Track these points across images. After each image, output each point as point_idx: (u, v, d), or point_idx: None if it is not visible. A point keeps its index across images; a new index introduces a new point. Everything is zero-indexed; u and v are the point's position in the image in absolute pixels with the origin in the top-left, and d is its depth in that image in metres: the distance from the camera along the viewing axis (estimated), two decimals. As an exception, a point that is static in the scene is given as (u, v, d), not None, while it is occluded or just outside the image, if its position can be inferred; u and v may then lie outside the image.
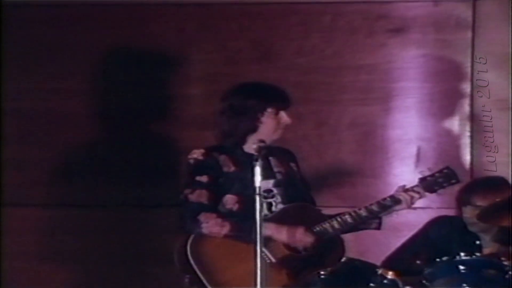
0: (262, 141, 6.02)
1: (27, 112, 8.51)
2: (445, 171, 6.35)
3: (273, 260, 6.16)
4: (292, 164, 6.47)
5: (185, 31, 8.33)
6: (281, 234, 6.20)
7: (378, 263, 6.86)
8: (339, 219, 6.25)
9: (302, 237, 6.24)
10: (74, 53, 8.45)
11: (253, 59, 8.19)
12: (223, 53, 8.29)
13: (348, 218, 6.24)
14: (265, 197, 6.06)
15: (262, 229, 5.58)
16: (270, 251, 6.15)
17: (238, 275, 6.14)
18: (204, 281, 6.19)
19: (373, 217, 6.35)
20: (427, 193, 6.38)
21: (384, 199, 6.33)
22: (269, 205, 6.35)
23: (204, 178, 6.23)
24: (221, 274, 6.22)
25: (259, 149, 5.86)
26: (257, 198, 5.57)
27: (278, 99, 6.33)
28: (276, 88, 6.47)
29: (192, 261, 6.21)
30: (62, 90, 8.45)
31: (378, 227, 6.43)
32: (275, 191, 6.25)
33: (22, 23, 8.47)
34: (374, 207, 6.29)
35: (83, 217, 8.52)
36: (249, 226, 5.87)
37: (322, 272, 6.28)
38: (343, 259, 6.38)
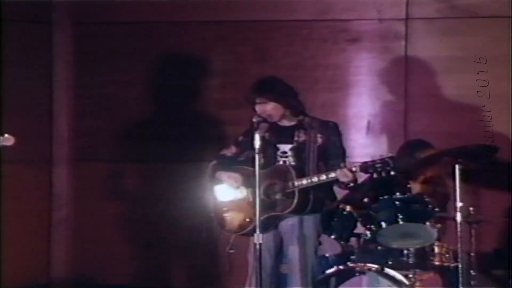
0: (259, 117, 6.10)
1: (98, 96, 8.91)
2: (385, 159, 6.28)
3: (250, 200, 6.13)
4: (319, 135, 6.32)
5: (207, 40, 8.71)
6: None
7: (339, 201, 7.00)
8: (308, 180, 6.18)
9: None
10: (130, 56, 8.83)
11: (254, 60, 8.55)
12: (233, 55, 8.65)
13: (315, 178, 6.15)
14: (280, 156, 6.10)
15: (261, 178, 5.80)
16: (251, 192, 6.17)
17: (223, 206, 6.36)
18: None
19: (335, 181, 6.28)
20: (361, 172, 6.34)
21: (328, 173, 6.22)
22: (284, 162, 6.37)
23: (241, 137, 6.41)
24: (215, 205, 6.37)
25: (258, 122, 5.98)
26: (256, 156, 5.81)
27: (249, 92, 6.31)
28: (255, 82, 6.45)
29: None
30: (122, 82, 8.84)
31: (349, 188, 6.43)
32: (289, 153, 6.17)
33: (93, 36, 8.88)
34: (324, 176, 6.17)
35: (137, 168, 8.88)
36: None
37: (282, 213, 6.25)
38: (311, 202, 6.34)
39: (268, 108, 6.09)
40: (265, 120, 6.16)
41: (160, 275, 8.78)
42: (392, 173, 6.22)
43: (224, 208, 6.26)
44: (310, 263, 6.26)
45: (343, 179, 6.19)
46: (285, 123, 6.13)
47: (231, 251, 6.13)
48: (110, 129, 8.92)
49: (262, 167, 5.98)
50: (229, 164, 6.44)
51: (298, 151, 6.15)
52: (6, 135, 5.89)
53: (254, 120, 6.11)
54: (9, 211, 8.55)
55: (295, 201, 6.08)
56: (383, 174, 6.20)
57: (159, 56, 8.85)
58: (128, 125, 8.92)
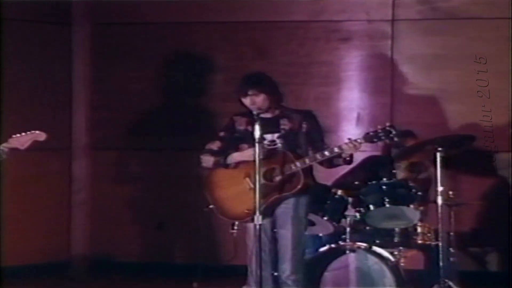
0: (260, 108, 5.93)
1: (113, 90, 8.84)
2: (387, 128, 6.07)
3: (251, 186, 5.93)
4: (304, 124, 6.12)
5: (211, 39, 8.69)
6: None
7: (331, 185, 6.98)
8: (306, 159, 5.98)
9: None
10: (142, 53, 8.81)
11: (254, 57, 8.52)
12: (235, 53, 8.62)
13: (318, 155, 5.95)
14: (268, 145, 5.91)
15: (260, 165, 5.72)
16: (251, 180, 5.97)
17: (222, 195, 6.13)
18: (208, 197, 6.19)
19: (335, 157, 6.02)
20: (367, 143, 6.09)
21: (332, 148, 6.03)
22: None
23: (222, 133, 6.18)
24: (212, 194, 6.16)
25: (258, 114, 5.86)
26: (256, 144, 5.73)
27: (241, 85, 6.10)
28: (246, 76, 6.23)
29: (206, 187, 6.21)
30: (135, 77, 8.80)
31: (349, 162, 6.19)
32: (277, 141, 5.97)
33: (109, 35, 8.86)
34: (327, 152, 5.97)
35: (148, 156, 8.86)
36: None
37: (289, 192, 6.02)
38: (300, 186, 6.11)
39: (258, 100, 5.96)
40: (244, 115, 6.11)
41: (169, 252, 8.78)
42: (395, 139, 6.11)
43: (225, 198, 6.15)
44: (303, 241, 6.18)
45: (350, 151, 5.99)
46: (268, 115, 6.00)
47: (233, 231, 6.04)
48: (124, 120, 8.91)
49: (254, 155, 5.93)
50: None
51: (286, 138, 6.01)
52: (38, 132, 5.92)
53: (232, 118, 6.14)
54: (33, 194, 8.60)
55: (302, 180, 5.98)
56: (388, 141, 6.14)
57: (168, 53, 8.82)
58: (141, 117, 8.90)
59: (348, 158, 6.06)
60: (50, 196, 8.80)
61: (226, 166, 6.04)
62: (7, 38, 8.41)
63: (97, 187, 8.97)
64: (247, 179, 5.99)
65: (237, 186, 6.03)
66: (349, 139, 6.05)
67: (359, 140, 5.96)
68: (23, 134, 5.87)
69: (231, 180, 6.08)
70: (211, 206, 6.13)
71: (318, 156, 5.94)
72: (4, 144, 5.83)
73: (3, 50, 8.34)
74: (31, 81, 8.60)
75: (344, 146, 5.94)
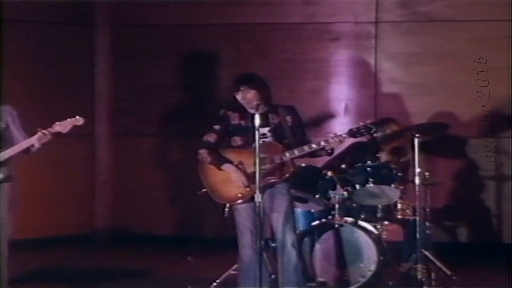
0: (258, 103, 5.82)
1: (131, 84, 8.89)
2: (368, 125, 5.92)
3: (248, 171, 5.88)
4: (288, 117, 6.00)
5: (217, 40, 8.68)
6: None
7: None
8: (295, 151, 5.87)
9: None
10: (158, 51, 8.81)
11: (255, 55, 8.51)
12: (238, 51, 8.59)
13: (305, 147, 5.86)
14: (260, 138, 5.71)
15: (260, 152, 5.62)
16: (245, 167, 5.91)
17: (217, 180, 6.01)
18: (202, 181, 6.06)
19: (320, 149, 5.92)
20: (350, 138, 5.96)
21: (319, 142, 5.89)
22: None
23: (216, 126, 6.05)
24: (207, 179, 6.05)
25: (257, 107, 5.77)
26: (257, 133, 5.62)
27: (234, 83, 6.02)
28: (239, 75, 6.13)
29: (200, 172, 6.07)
30: (150, 72, 8.83)
31: (331, 154, 6.06)
32: (268, 134, 5.87)
33: (128, 35, 8.85)
34: (314, 145, 5.88)
35: (161, 141, 8.85)
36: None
37: (279, 179, 5.91)
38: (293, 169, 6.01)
39: (249, 96, 5.88)
40: (236, 110, 6.02)
41: (181, 226, 8.80)
42: (375, 135, 6.05)
43: (219, 183, 6.00)
44: (292, 217, 6.07)
45: (334, 145, 5.92)
46: (259, 111, 5.82)
47: (225, 212, 5.96)
48: (141, 110, 8.91)
49: (245, 147, 5.93)
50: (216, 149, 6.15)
51: (275, 131, 5.91)
52: (77, 117, 5.96)
53: (221, 112, 6.06)
54: (61, 175, 8.66)
55: (290, 169, 5.91)
56: (368, 136, 6.02)
57: (180, 52, 8.79)
58: (156, 107, 8.88)
59: (329, 151, 6.00)
60: (76, 177, 8.85)
61: (220, 168, 5.94)
62: (36, 39, 8.44)
63: (117, 169, 8.97)
64: (241, 166, 5.94)
65: (228, 174, 5.96)
66: (334, 134, 6.01)
67: (343, 135, 5.92)
68: (65, 120, 5.91)
69: (222, 170, 6.00)
70: (204, 190, 6.06)
71: (306, 148, 5.88)
72: (49, 129, 5.85)
73: (33, 49, 8.36)
74: (59, 77, 8.63)
75: (330, 140, 5.90)
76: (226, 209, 5.97)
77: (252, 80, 6.00)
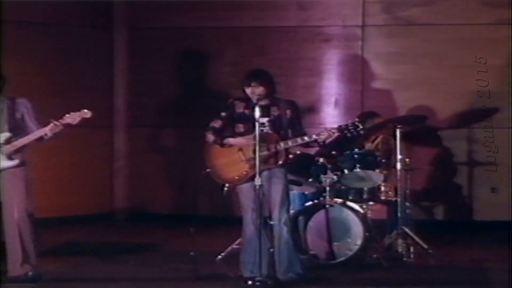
0: (259, 95, 5.80)
1: (146, 80, 8.81)
2: (355, 123, 5.85)
3: (244, 158, 5.84)
4: (288, 110, 5.90)
5: (221, 40, 8.64)
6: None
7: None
8: (289, 142, 5.82)
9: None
10: (169, 51, 8.74)
11: (255, 54, 8.44)
12: (240, 50, 8.54)
13: (298, 139, 5.79)
14: (259, 127, 5.66)
15: (259, 140, 5.62)
16: (243, 153, 5.86)
17: (219, 163, 5.96)
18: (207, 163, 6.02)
19: (313, 141, 5.85)
20: (339, 133, 5.85)
21: (311, 135, 5.82)
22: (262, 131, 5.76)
23: (223, 113, 5.98)
24: (211, 161, 6.00)
25: (258, 99, 5.77)
26: (257, 124, 5.65)
27: (246, 78, 5.92)
28: (251, 71, 6.04)
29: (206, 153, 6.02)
30: (163, 70, 8.77)
31: (323, 145, 6.01)
32: (266, 124, 5.76)
33: (143, 36, 8.79)
34: (306, 137, 5.81)
35: (174, 132, 8.81)
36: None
37: (272, 166, 5.81)
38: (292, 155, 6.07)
39: (258, 90, 5.82)
40: (242, 100, 5.95)
41: (191, 206, 8.71)
42: (361, 132, 5.94)
43: (221, 166, 5.95)
44: (287, 198, 6.01)
45: (325, 138, 5.84)
46: (262, 102, 5.83)
47: (224, 191, 5.94)
48: (155, 104, 8.87)
49: (246, 134, 5.86)
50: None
51: (274, 123, 5.82)
52: (85, 110, 5.93)
53: (229, 101, 6.01)
54: (83, 161, 8.63)
55: (284, 157, 5.86)
56: (354, 133, 5.91)
57: (189, 51, 8.76)
58: (168, 101, 8.84)
59: (321, 143, 5.94)
60: (97, 163, 8.83)
61: (222, 146, 5.92)
62: (61, 40, 8.40)
63: (133, 156, 8.92)
64: (240, 152, 5.89)
65: (230, 157, 5.90)
66: (325, 128, 5.98)
67: (333, 130, 5.87)
68: (75, 113, 5.90)
69: (226, 152, 5.94)
70: (207, 170, 5.99)
71: (299, 140, 5.83)
72: (60, 120, 5.85)
73: (59, 49, 8.33)
74: (82, 74, 8.59)
75: (322, 136, 5.85)
76: (225, 189, 5.93)
77: (262, 76, 5.94)
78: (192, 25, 8.66)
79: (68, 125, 5.88)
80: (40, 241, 6.06)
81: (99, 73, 8.77)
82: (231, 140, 5.92)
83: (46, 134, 5.86)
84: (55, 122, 5.83)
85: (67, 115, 5.88)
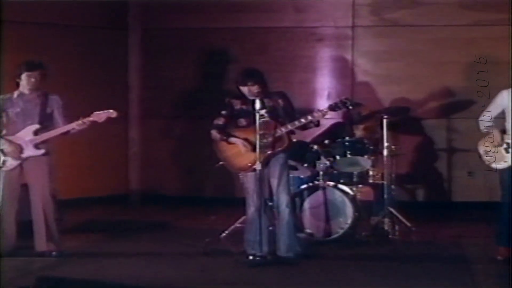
0: (256, 92, 5.79)
1: (159, 76, 8.72)
2: (343, 100, 5.86)
3: (250, 147, 5.82)
4: (280, 100, 5.91)
5: (225, 40, 8.57)
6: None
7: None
8: (288, 125, 5.82)
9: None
10: (179, 50, 8.63)
11: (256, 53, 8.38)
12: (241, 50, 8.47)
13: (296, 122, 5.78)
14: (260, 118, 5.64)
15: (260, 130, 5.63)
16: (250, 142, 5.85)
17: (229, 154, 5.94)
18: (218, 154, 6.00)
19: (310, 122, 5.83)
20: (331, 111, 5.88)
21: (306, 117, 5.81)
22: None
23: (223, 112, 5.98)
24: (222, 154, 5.99)
25: (258, 93, 5.78)
26: (257, 115, 5.66)
27: (241, 78, 5.91)
28: (245, 71, 6.00)
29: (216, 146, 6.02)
30: (173, 67, 8.65)
31: (317, 125, 6.01)
32: (265, 115, 5.70)
33: (156, 37, 8.71)
34: (303, 119, 5.79)
35: (184, 123, 8.68)
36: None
37: (279, 149, 5.83)
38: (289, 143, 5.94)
39: (253, 88, 5.82)
40: (237, 98, 5.94)
41: (199, 188, 8.71)
42: (350, 107, 5.93)
43: (232, 157, 5.94)
44: (288, 182, 6.00)
45: (319, 118, 5.84)
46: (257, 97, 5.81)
47: (241, 179, 5.91)
48: (166, 97, 8.80)
49: (249, 126, 5.85)
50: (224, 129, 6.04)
51: (271, 112, 5.76)
52: (111, 111, 5.98)
53: (226, 100, 5.99)
54: (101, 149, 8.57)
55: (286, 141, 5.85)
56: (345, 109, 5.93)
57: (196, 49, 8.71)
58: (178, 94, 8.80)
59: (316, 123, 5.94)
60: (113, 150, 8.76)
61: (228, 142, 5.93)
62: (79, 40, 8.37)
63: (145, 143, 8.87)
64: (246, 142, 5.90)
65: (237, 148, 5.91)
66: (318, 109, 6.01)
67: (325, 110, 5.87)
68: (101, 112, 5.94)
69: (233, 144, 5.94)
70: (221, 163, 6.00)
71: (296, 122, 5.81)
72: (88, 118, 5.89)
73: (77, 49, 8.31)
74: (99, 71, 8.52)
75: (315, 114, 5.84)
76: (241, 176, 5.94)
77: (256, 76, 5.91)
78: (199, 26, 8.62)
79: (94, 122, 5.91)
80: (62, 220, 6.18)
81: (115, 70, 8.71)
82: (233, 139, 5.92)
83: (73, 129, 5.91)
84: (83, 120, 5.87)
85: (95, 113, 5.91)
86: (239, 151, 5.88)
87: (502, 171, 5.75)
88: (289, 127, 5.85)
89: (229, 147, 5.93)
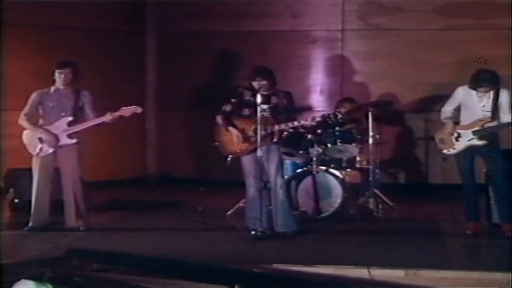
0: (264, 87, 5.71)
1: (173, 73, 8.72)
2: (335, 113, 5.84)
3: (241, 138, 5.79)
4: (284, 100, 5.83)
5: (232, 42, 8.52)
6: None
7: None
8: (291, 124, 5.74)
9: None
10: (193, 51, 8.62)
11: (258, 53, 8.36)
12: (246, 50, 8.43)
13: (290, 124, 5.72)
14: (260, 111, 5.55)
15: (260, 122, 5.55)
16: (246, 131, 5.80)
17: (225, 139, 5.91)
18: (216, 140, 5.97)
19: (300, 126, 5.79)
20: (321, 119, 5.73)
21: (299, 121, 5.76)
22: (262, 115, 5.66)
23: (233, 99, 5.91)
24: (218, 137, 5.94)
25: (266, 89, 5.72)
26: (258, 108, 5.58)
27: (253, 74, 5.82)
28: (257, 68, 5.92)
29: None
30: (187, 66, 8.60)
31: (308, 129, 6.02)
32: (267, 110, 5.61)
33: (171, 40, 8.68)
34: (296, 122, 5.72)
35: (197, 114, 8.48)
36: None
37: (269, 143, 5.71)
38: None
39: (263, 84, 5.74)
40: (249, 89, 5.85)
41: (206, 171, 8.58)
42: (340, 120, 5.90)
43: (226, 141, 5.93)
44: (283, 167, 6.04)
45: (308, 124, 5.85)
46: (265, 92, 5.72)
47: (227, 161, 5.89)
48: (178, 91, 8.78)
49: (250, 117, 5.82)
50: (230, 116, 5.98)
51: (273, 109, 5.69)
52: (136, 106, 5.98)
53: (239, 89, 5.94)
54: (123, 137, 8.52)
55: (276, 137, 5.80)
56: (335, 121, 5.87)
57: (207, 50, 8.68)
58: (191, 89, 8.76)
59: (307, 127, 5.96)
60: (133, 138, 8.70)
61: (227, 129, 5.89)
62: (101, 43, 8.35)
63: (161, 132, 8.82)
64: (240, 133, 5.86)
65: (231, 136, 5.85)
66: (312, 117, 5.94)
67: (317, 119, 5.82)
68: (128, 107, 5.94)
69: (229, 132, 5.90)
70: (216, 143, 5.97)
71: (290, 124, 5.75)
72: (116, 112, 5.90)
73: (98, 50, 8.27)
74: (120, 70, 8.51)
75: (306, 122, 5.83)
76: (229, 159, 5.92)
77: (265, 72, 5.86)
78: (208, 30, 8.58)
79: (121, 117, 5.93)
80: (89, 199, 6.19)
81: (134, 69, 8.66)
82: (232, 129, 5.89)
83: (103, 122, 5.92)
84: (114, 114, 5.87)
85: (122, 108, 5.91)
86: (231, 139, 5.85)
87: (457, 156, 5.80)
88: (283, 126, 5.80)
89: (225, 133, 5.89)
